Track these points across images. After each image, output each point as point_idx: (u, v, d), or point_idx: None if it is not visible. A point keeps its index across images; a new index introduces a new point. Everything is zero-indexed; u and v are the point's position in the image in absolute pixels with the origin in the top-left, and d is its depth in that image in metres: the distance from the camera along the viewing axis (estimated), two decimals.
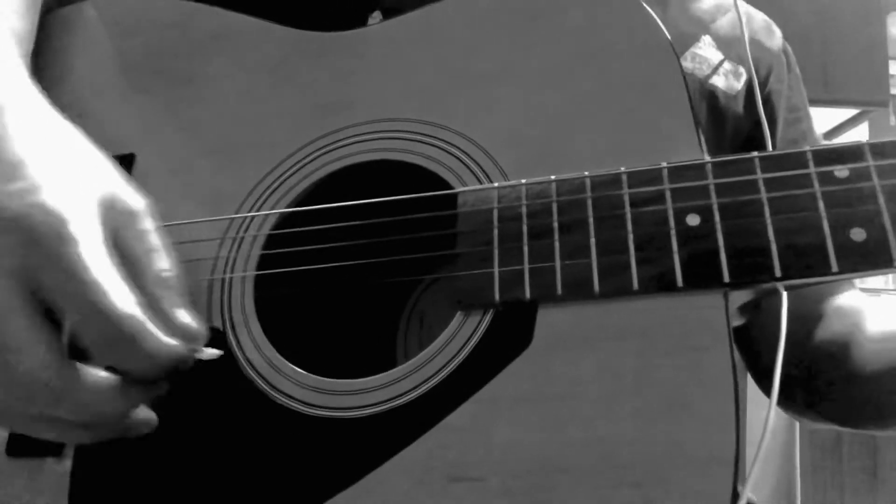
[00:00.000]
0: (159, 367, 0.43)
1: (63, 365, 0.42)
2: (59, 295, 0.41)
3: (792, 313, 0.48)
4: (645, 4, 0.57)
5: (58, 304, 0.41)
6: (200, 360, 0.46)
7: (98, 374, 0.43)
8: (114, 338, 0.41)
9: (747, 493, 0.44)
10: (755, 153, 0.50)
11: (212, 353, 0.47)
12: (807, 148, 0.49)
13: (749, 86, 0.77)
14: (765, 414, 0.46)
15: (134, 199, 0.47)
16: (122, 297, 0.41)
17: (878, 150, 0.47)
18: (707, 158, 0.50)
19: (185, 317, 0.45)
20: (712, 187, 0.49)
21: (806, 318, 0.74)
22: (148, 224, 0.46)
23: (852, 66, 1.88)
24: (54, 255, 0.41)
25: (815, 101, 1.82)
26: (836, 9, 1.89)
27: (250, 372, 0.55)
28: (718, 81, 0.76)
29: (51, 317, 0.42)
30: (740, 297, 0.50)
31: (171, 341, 0.43)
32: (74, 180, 0.44)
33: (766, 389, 0.77)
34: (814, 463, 1.99)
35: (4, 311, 0.41)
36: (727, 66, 0.77)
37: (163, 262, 0.45)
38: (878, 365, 0.65)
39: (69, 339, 0.42)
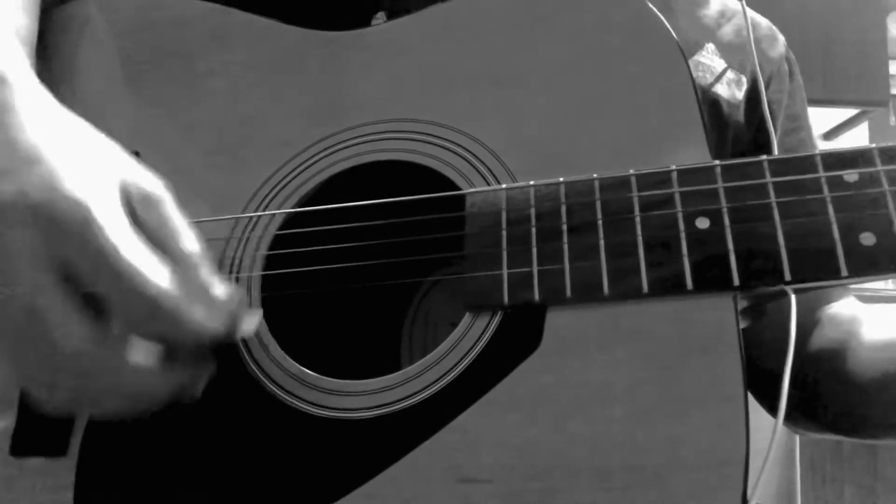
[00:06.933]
0: (204, 336, 0.44)
1: (106, 338, 0.43)
2: (93, 280, 0.42)
3: (787, 319, 0.48)
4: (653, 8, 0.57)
5: (95, 288, 0.42)
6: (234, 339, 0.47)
7: (141, 348, 0.44)
8: (154, 314, 0.42)
9: (755, 499, 0.44)
10: (764, 157, 0.50)
11: (254, 321, 0.49)
12: (816, 152, 0.49)
13: (750, 95, 0.76)
14: (763, 420, 0.46)
15: (151, 181, 0.47)
16: (156, 275, 0.42)
17: (888, 154, 0.47)
18: (716, 162, 0.50)
19: (219, 288, 0.45)
20: (722, 191, 0.49)
21: (801, 326, 0.74)
22: (168, 205, 0.46)
23: (852, 66, 1.88)
24: (82, 241, 0.41)
25: (815, 101, 1.83)
26: (836, 9, 1.90)
27: (257, 372, 0.54)
28: (721, 90, 0.75)
29: (93, 304, 0.43)
30: (741, 302, 0.50)
31: (211, 310, 0.44)
32: (91, 166, 0.44)
33: (758, 396, 0.76)
34: (814, 463, 1.99)
35: (37, 293, 0.41)
36: (730, 74, 0.76)
37: (188, 240, 0.46)
38: (872, 373, 0.65)
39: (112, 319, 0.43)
